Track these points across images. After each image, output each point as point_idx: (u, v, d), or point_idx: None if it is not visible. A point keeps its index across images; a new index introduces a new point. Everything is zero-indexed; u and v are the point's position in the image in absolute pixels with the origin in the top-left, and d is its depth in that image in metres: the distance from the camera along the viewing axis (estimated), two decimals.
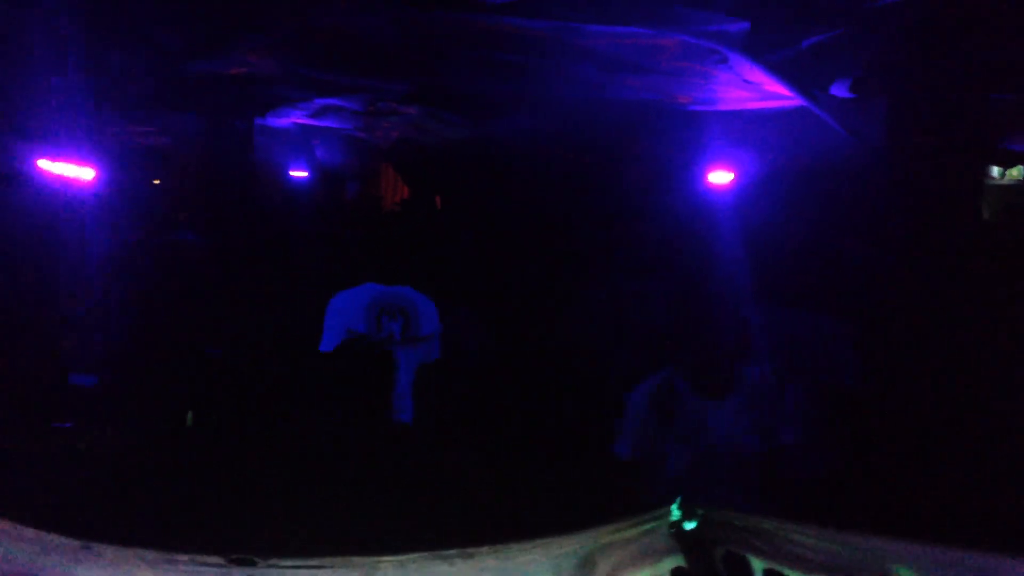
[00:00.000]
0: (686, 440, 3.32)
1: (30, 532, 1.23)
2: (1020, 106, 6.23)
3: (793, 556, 1.47)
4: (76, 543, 1.24)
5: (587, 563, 1.49)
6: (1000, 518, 3.36)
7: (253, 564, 1.37)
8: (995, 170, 7.57)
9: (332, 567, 1.43)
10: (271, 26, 5.93)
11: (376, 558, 1.42)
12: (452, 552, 1.42)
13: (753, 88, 6.78)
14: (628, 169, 8.17)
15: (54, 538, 1.24)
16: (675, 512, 1.55)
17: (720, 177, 7.97)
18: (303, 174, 9.59)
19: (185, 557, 1.35)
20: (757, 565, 1.48)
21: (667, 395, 3.37)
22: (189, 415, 4.38)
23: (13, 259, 5.56)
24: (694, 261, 6.44)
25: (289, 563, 1.40)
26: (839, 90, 6.47)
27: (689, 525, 1.53)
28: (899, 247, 6.49)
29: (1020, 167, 7.79)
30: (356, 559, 1.43)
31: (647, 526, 1.56)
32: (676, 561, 1.52)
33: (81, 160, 6.27)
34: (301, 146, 9.37)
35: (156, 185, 9.45)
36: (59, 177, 6.14)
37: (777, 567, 1.46)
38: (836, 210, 7.27)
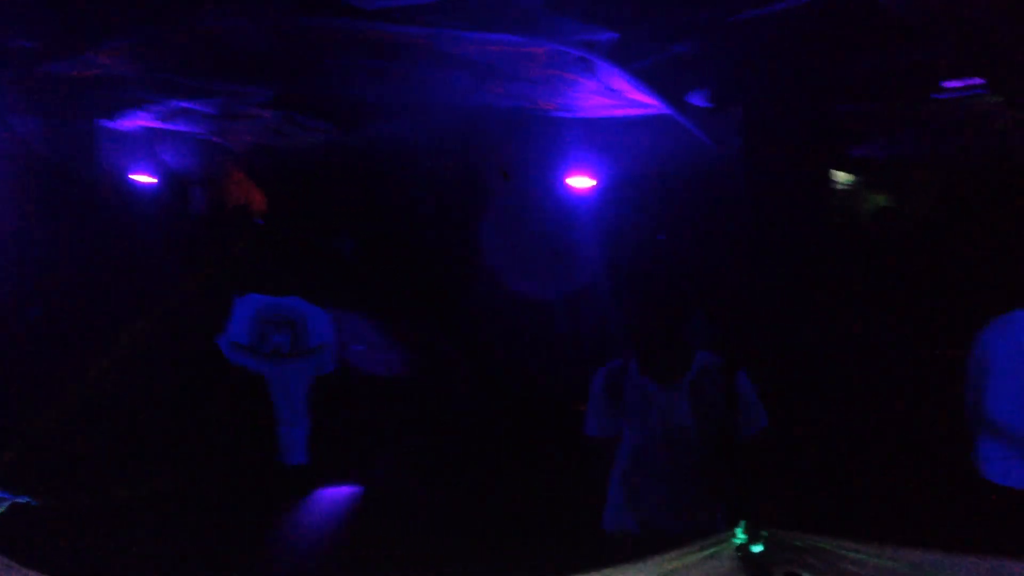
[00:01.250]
0: (637, 420, 3.49)
1: None
2: (864, 116, 6.72)
3: (848, 573, 1.53)
4: None
5: None
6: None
7: None
8: (840, 175, 8.11)
9: None
10: (132, 28, 5.62)
11: None
12: None
13: (617, 96, 6.98)
14: (493, 174, 8.25)
15: None
16: (740, 535, 1.57)
17: (581, 182, 8.19)
18: (149, 179, 9.12)
19: None
20: None
21: (620, 376, 3.55)
22: None
23: None
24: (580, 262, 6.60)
25: None
26: (697, 99, 6.77)
27: (756, 548, 1.56)
28: (752, 248, 6.87)
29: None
30: None
31: (711, 550, 1.58)
32: None
33: None
34: (147, 150, 8.91)
35: None
36: None
37: None
38: (693, 213, 7.62)
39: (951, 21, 4.45)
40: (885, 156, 7.59)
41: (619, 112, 7.50)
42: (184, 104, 7.69)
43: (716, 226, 7.27)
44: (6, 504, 1.43)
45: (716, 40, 5.90)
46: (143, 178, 9.19)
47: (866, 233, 7.64)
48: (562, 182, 8.25)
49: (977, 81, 5.53)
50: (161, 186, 9.24)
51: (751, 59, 6.04)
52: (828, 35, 5.69)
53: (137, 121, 8.29)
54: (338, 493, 4.67)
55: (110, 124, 8.26)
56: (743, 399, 3.48)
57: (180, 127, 8.52)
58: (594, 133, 7.86)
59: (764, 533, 1.59)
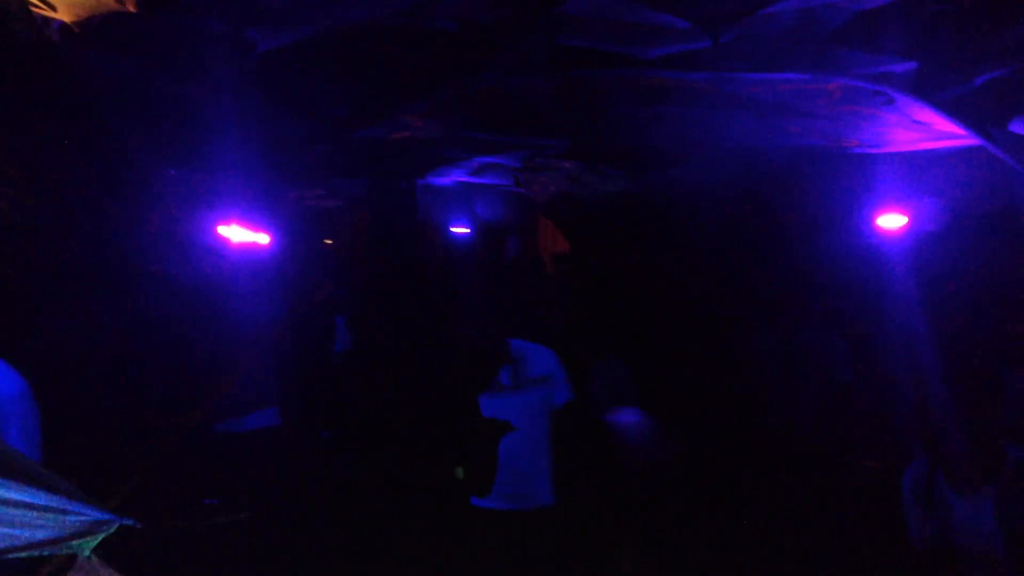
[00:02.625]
0: (942, 535, 2.80)
1: None
2: None
3: None
4: None
5: None
6: None
7: None
8: None
9: None
10: (432, 92, 6.13)
11: None
12: None
13: (924, 129, 6.46)
14: (792, 217, 7.92)
15: None
16: None
17: (892, 221, 7.60)
18: (464, 230, 9.82)
19: None
20: None
21: (926, 480, 2.86)
22: (459, 470, 4.39)
23: (197, 317, 5.92)
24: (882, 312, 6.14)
25: None
26: (1019, 127, 6.06)
27: None
28: None
29: None
30: None
31: None
32: None
33: (258, 226, 6.66)
34: (462, 203, 9.62)
35: (328, 244, 9.93)
36: (239, 243, 6.54)
37: None
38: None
39: None
40: None
41: (929, 145, 6.92)
42: (489, 159, 8.22)
43: None
44: (115, 526, 1.61)
45: None
46: (460, 229, 9.94)
47: None
48: (871, 222, 7.71)
49: None
50: (475, 235, 9.93)
51: None
52: None
53: (451, 177, 8.98)
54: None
55: (428, 181, 9.02)
56: None
57: (488, 180, 9.10)
58: (904, 168, 7.29)
59: None
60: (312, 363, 6.57)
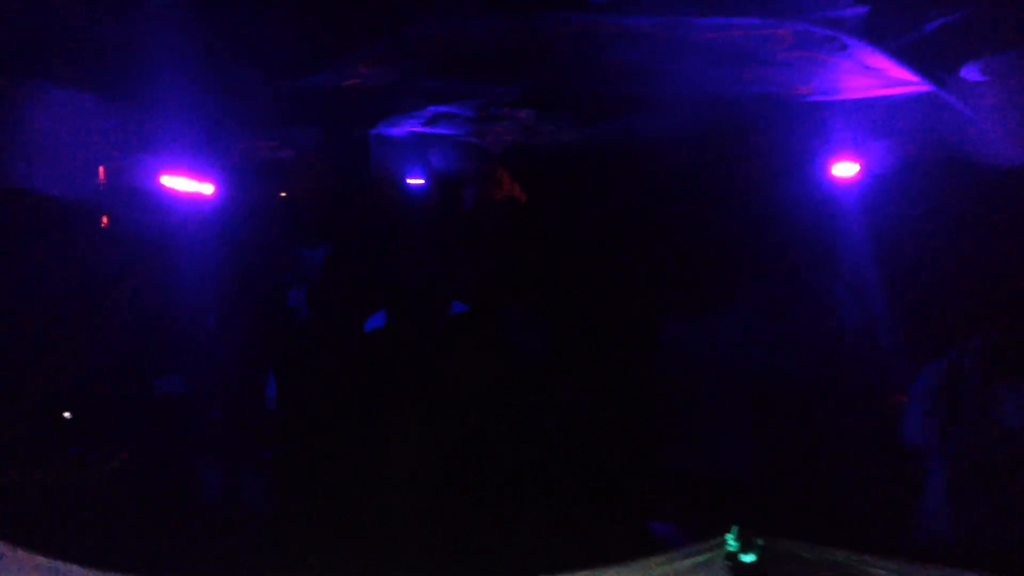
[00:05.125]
0: (975, 426, 3.15)
1: (41, 559, 1.22)
2: None
3: None
4: (88, 572, 1.22)
5: None
6: None
7: None
8: None
9: None
10: (378, 37, 6.00)
11: None
12: None
13: (876, 75, 6.43)
14: (748, 166, 7.89)
15: (66, 567, 1.23)
16: (731, 543, 1.42)
17: (846, 168, 7.59)
18: (420, 181, 9.69)
19: None
20: None
21: (955, 378, 3.20)
22: None
23: (138, 271, 5.80)
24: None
25: None
26: (970, 73, 6.05)
27: (747, 558, 1.40)
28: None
29: None
30: None
31: (701, 557, 1.45)
32: None
33: (203, 175, 6.52)
34: (416, 154, 9.48)
35: (282, 197, 9.76)
36: (182, 192, 6.40)
37: None
38: (973, 205, 6.81)
39: None
40: None
41: (883, 92, 6.89)
42: (442, 108, 8.09)
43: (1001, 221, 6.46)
44: None
45: (984, 5, 5.25)
46: (415, 180, 9.80)
47: None
48: (825, 170, 7.70)
49: None
50: (430, 187, 9.80)
51: None
52: None
53: (404, 127, 8.84)
54: None
55: (380, 131, 8.87)
56: None
57: (443, 130, 8.97)
58: (857, 116, 7.27)
59: (759, 542, 1.40)
60: (260, 329, 6.48)
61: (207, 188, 6.48)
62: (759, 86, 7.06)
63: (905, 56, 5.74)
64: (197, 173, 6.44)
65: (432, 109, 8.14)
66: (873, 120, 7.19)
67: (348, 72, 6.86)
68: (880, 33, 5.60)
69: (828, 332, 7.08)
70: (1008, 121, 5.98)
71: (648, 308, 7.14)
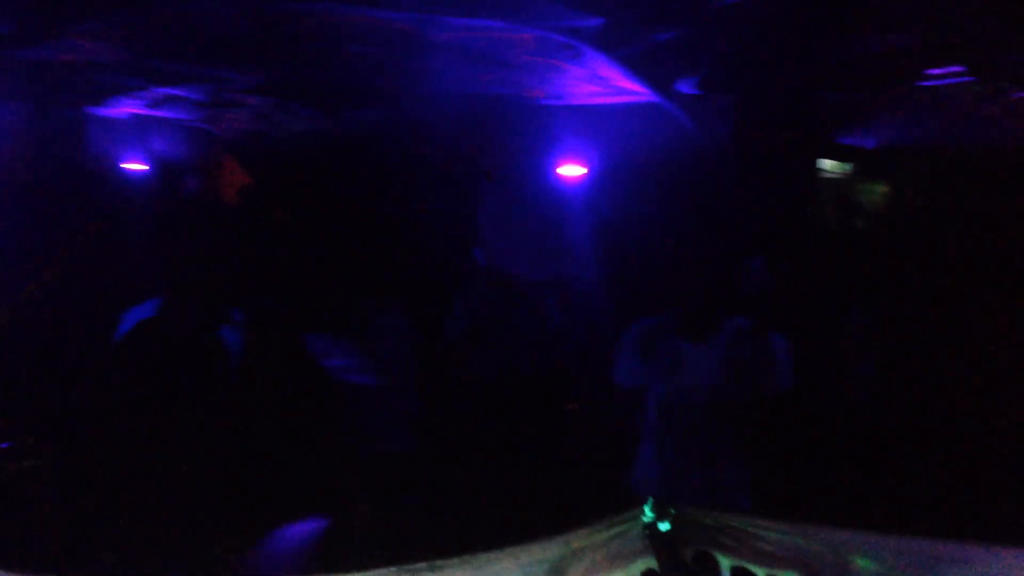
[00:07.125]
0: (665, 376, 3.71)
1: None
2: (851, 104, 6.65)
3: (759, 552, 1.51)
4: None
5: (558, 569, 1.47)
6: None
7: None
8: (827, 164, 8.03)
9: None
10: (108, 11, 5.58)
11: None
12: (421, 566, 1.37)
13: (605, 83, 6.92)
14: (481, 163, 8.18)
15: None
16: (648, 513, 1.54)
17: (572, 171, 8.11)
18: (140, 167, 9.08)
19: None
20: (725, 563, 1.51)
21: (653, 333, 3.80)
22: None
23: None
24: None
25: None
26: (686, 87, 6.71)
27: (663, 526, 1.53)
28: (744, 237, 6.80)
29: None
30: None
31: (619, 528, 1.55)
32: (648, 563, 1.52)
33: None
34: (138, 138, 8.88)
35: None
36: None
37: (744, 564, 1.50)
38: (682, 203, 7.54)
39: (929, 5, 4.40)
40: (875, 145, 7.51)
41: (608, 100, 7.44)
42: (170, 91, 7.65)
43: (707, 214, 7.20)
44: None
45: (702, 26, 5.83)
46: (134, 166, 9.16)
47: (855, 223, 7.58)
48: (553, 171, 8.17)
49: (958, 68, 5.48)
50: (152, 174, 9.20)
51: (737, 46, 5.97)
52: (810, 21, 5.63)
53: (125, 108, 8.25)
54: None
55: (98, 111, 8.23)
56: (772, 359, 3.67)
57: (168, 114, 8.48)
58: (584, 121, 7.79)
59: (672, 511, 1.56)
60: None
61: None
62: (496, 87, 7.34)
63: (634, 67, 6.23)
64: None
65: (158, 91, 7.67)
66: (598, 125, 7.72)
67: (67, 45, 6.32)
68: (612, 44, 6.04)
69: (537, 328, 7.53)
70: (717, 132, 6.71)
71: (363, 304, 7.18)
